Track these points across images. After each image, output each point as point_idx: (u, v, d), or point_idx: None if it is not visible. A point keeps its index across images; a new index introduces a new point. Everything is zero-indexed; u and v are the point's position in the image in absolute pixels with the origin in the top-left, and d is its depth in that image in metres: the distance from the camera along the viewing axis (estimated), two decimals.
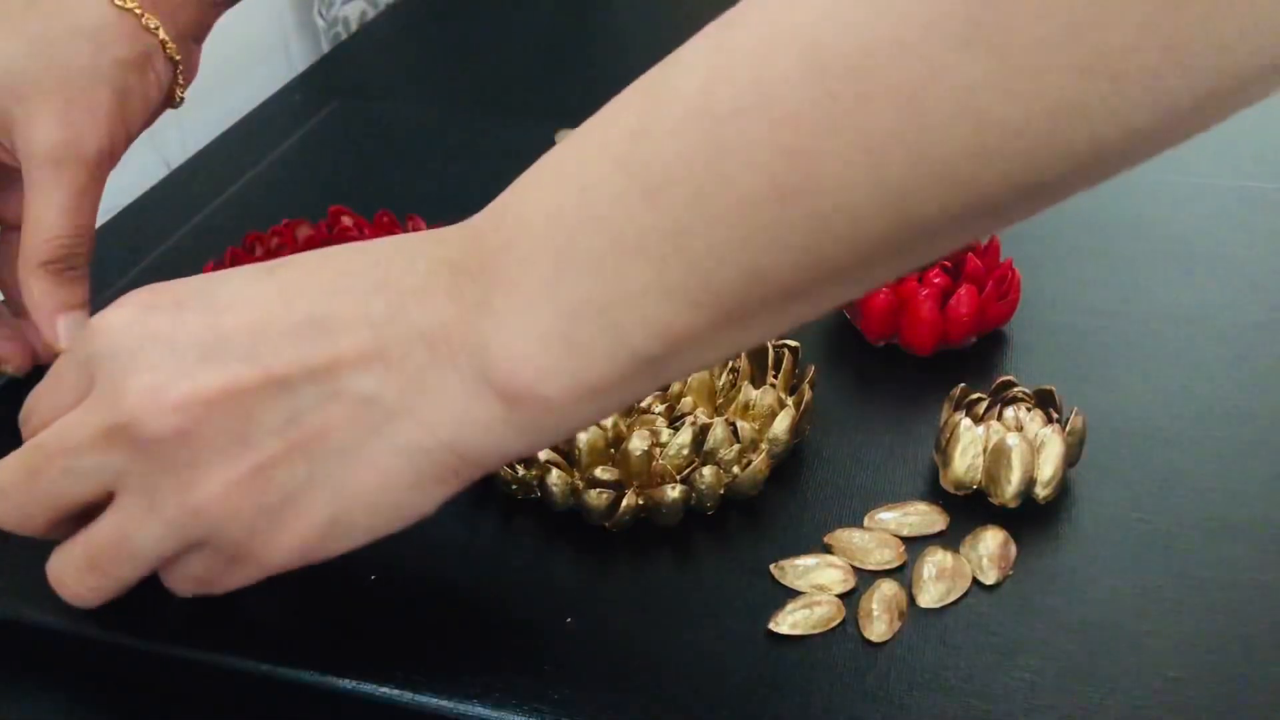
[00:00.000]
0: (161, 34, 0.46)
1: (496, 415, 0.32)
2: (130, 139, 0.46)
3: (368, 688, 0.36)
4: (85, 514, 0.34)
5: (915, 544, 0.40)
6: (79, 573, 0.34)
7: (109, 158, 0.45)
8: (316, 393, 0.32)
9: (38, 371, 0.46)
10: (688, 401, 0.43)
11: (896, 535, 0.41)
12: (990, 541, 0.40)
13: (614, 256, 0.30)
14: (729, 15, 0.29)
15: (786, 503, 0.42)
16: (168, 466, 0.32)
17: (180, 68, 0.48)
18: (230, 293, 0.33)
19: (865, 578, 0.39)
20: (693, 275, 0.29)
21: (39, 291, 0.43)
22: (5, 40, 0.43)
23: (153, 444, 0.32)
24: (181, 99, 0.48)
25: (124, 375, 0.32)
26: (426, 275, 0.32)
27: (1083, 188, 0.28)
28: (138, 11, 0.45)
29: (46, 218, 0.43)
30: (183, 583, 0.35)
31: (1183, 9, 0.24)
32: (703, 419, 0.42)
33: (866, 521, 0.41)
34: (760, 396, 0.43)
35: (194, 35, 0.49)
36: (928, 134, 0.26)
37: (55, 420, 0.34)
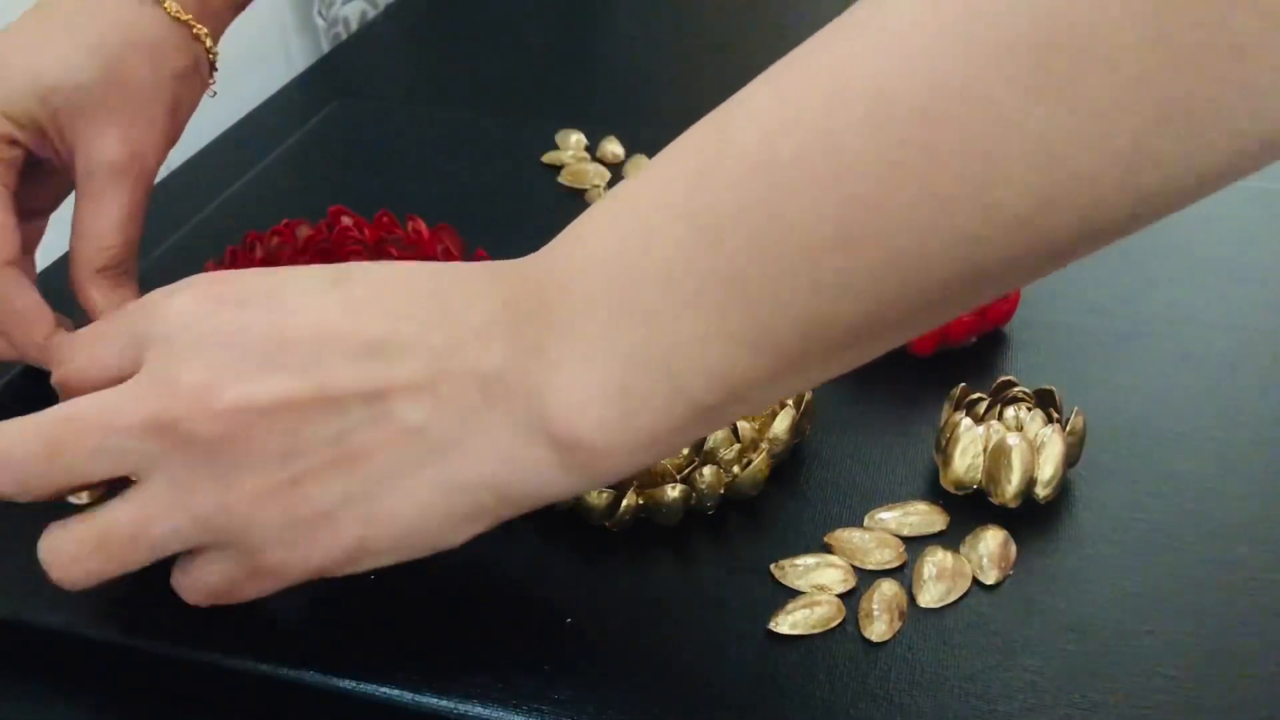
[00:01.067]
0: (207, 41, 0.47)
1: (547, 460, 0.32)
2: (177, 139, 0.47)
3: (368, 688, 0.36)
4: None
5: (915, 544, 0.40)
6: (82, 553, 0.34)
7: (160, 164, 0.46)
8: (366, 415, 0.32)
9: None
10: None
11: (896, 535, 0.41)
12: (990, 541, 0.40)
13: (673, 305, 0.29)
14: (789, 60, 0.29)
15: (786, 503, 0.42)
16: (206, 465, 0.32)
17: (214, 64, 0.48)
18: (296, 299, 0.33)
19: (865, 578, 0.39)
20: (753, 323, 0.29)
21: (98, 296, 0.45)
22: (65, 50, 0.43)
23: (198, 442, 0.32)
24: (214, 93, 0.49)
25: (179, 367, 0.32)
26: (486, 314, 0.32)
27: (1147, 225, 0.28)
28: (191, 22, 0.46)
29: (103, 228, 0.44)
30: (196, 593, 0.35)
31: (1255, 56, 0.24)
32: None
33: (866, 521, 0.41)
34: None
35: (225, 25, 0.50)
36: (997, 183, 0.26)
37: (87, 378, 0.34)
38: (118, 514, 0.33)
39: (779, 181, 0.28)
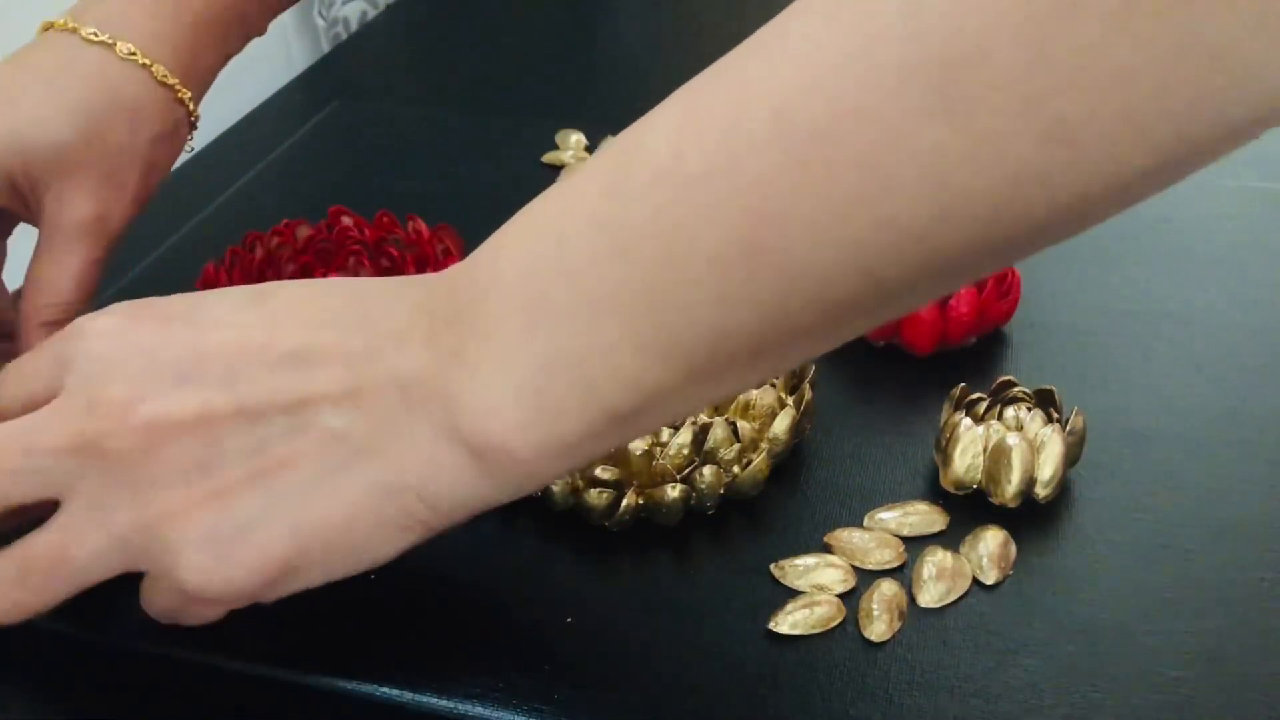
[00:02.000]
0: (190, 104, 0.46)
1: (465, 465, 0.32)
2: (148, 201, 0.47)
3: (368, 688, 0.36)
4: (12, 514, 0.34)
5: (915, 544, 0.40)
6: (3, 585, 0.33)
7: (127, 226, 0.46)
8: (287, 424, 0.32)
9: None
10: None
11: (896, 535, 0.41)
12: (990, 541, 0.40)
13: (586, 312, 0.30)
14: (701, 78, 0.30)
15: (786, 503, 0.42)
16: (126, 481, 0.32)
17: (196, 123, 0.48)
18: (217, 314, 0.33)
19: (865, 578, 0.39)
20: (664, 332, 0.30)
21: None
22: (44, 108, 0.43)
23: (116, 458, 0.32)
24: (191, 149, 0.49)
25: (99, 384, 0.32)
26: (405, 320, 0.32)
27: (1043, 247, 0.29)
28: (176, 86, 0.45)
29: (58, 283, 0.44)
30: (153, 615, 0.35)
31: (1136, 82, 0.25)
32: (703, 418, 0.42)
33: (866, 521, 0.41)
34: (760, 396, 0.43)
35: (212, 78, 0.49)
36: (892, 199, 0.27)
37: (15, 404, 0.34)
38: (39, 541, 0.33)
39: (685, 194, 0.29)
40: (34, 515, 0.34)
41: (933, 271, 0.28)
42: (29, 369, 0.35)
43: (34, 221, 0.45)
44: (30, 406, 0.34)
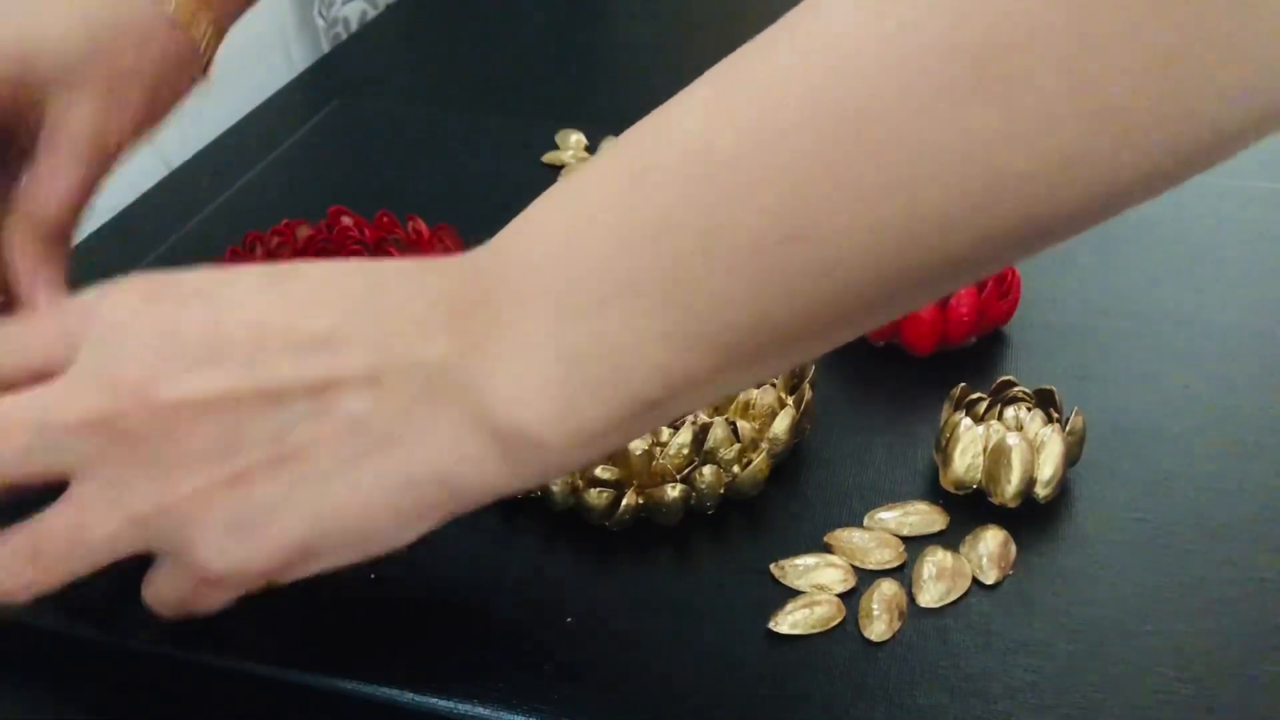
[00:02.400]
0: (207, 37, 0.46)
1: (489, 454, 0.31)
2: (151, 131, 0.47)
3: (368, 688, 0.36)
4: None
5: (915, 544, 0.40)
6: (16, 563, 0.33)
7: (124, 150, 0.45)
8: (308, 408, 0.31)
9: None
10: None
11: (896, 535, 0.41)
12: (990, 541, 0.40)
13: (614, 300, 0.29)
14: (732, 59, 0.29)
15: (786, 503, 0.42)
16: (144, 463, 0.32)
17: (211, 61, 0.48)
18: (236, 295, 0.33)
19: (865, 577, 0.39)
20: (693, 319, 0.29)
21: (30, 257, 0.43)
22: (53, 21, 0.42)
23: (135, 439, 0.31)
24: (209, 88, 0.49)
25: (116, 362, 0.32)
26: (427, 307, 0.32)
27: (1087, 228, 0.28)
28: (188, 18, 0.45)
29: (53, 194, 0.43)
30: (159, 606, 0.34)
31: (1185, 61, 0.25)
32: (703, 418, 0.42)
33: (866, 521, 0.41)
34: (760, 396, 0.43)
35: (231, 23, 0.49)
36: (932, 183, 0.26)
37: (11, 371, 0.33)
38: (52, 519, 0.33)
39: (715, 180, 0.28)
40: (35, 494, 0.33)
41: (972, 255, 0.28)
42: (29, 339, 0.34)
43: (31, 137, 0.44)
44: (26, 374, 0.33)
